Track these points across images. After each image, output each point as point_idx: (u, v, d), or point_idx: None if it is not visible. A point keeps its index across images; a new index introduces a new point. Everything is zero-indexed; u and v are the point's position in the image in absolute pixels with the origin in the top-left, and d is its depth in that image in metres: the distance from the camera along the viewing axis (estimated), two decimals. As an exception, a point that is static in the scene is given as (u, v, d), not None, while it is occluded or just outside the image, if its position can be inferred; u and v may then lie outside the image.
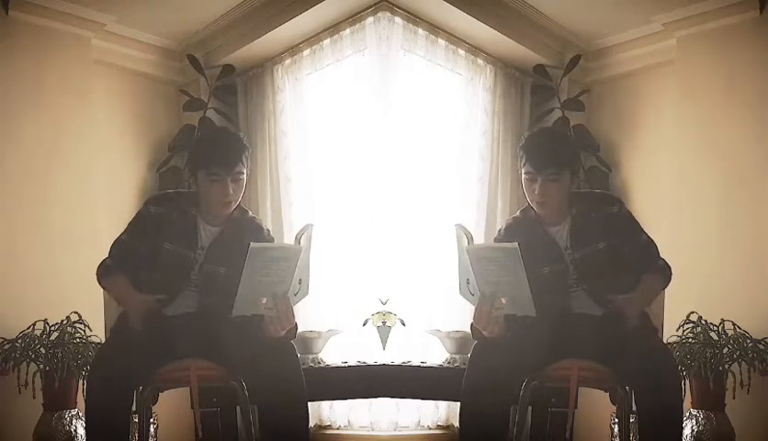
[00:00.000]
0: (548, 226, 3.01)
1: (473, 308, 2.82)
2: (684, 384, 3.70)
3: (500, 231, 3.20)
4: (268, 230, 3.16)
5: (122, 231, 3.08)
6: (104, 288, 3.08)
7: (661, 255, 3.10)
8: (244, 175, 2.95)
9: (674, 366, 3.01)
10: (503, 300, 2.70)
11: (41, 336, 3.70)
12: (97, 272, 3.06)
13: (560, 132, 3.10)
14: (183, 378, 3.03)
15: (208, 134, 3.03)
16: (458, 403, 2.90)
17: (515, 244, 2.65)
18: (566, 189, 2.97)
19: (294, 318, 2.78)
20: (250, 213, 3.17)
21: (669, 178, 4.31)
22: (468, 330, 3.91)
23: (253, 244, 2.66)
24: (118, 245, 3.06)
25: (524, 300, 2.66)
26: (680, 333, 3.76)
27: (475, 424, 2.85)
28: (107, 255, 3.07)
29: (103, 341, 3.66)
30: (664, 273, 3.06)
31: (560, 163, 2.92)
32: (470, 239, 2.76)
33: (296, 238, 2.82)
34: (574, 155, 3.00)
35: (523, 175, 2.98)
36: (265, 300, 2.70)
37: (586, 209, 3.03)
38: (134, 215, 3.08)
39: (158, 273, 2.94)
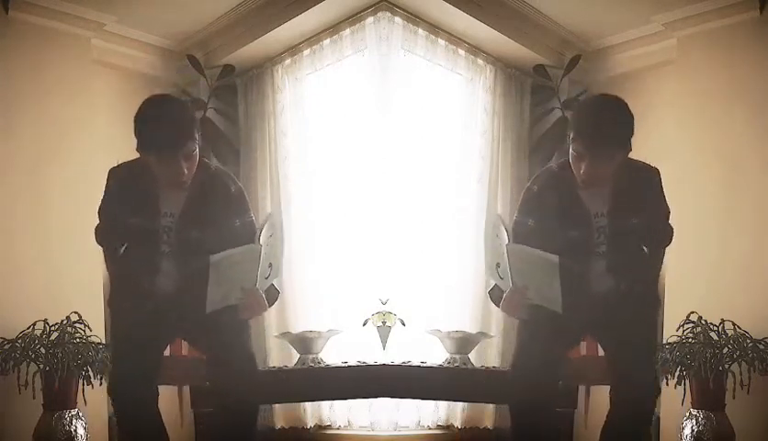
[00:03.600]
0: (584, 190, 2.89)
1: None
2: (684, 384, 3.71)
3: (530, 188, 3.08)
4: (236, 184, 3.04)
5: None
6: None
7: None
8: (197, 149, 2.80)
9: (651, 369, 3.01)
10: (532, 293, 2.86)
11: (41, 336, 3.70)
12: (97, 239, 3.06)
13: (615, 105, 2.79)
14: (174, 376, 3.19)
15: (151, 112, 2.80)
16: (460, 404, 2.92)
17: (557, 258, 2.73)
18: (614, 168, 2.82)
19: (265, 302, 2.91)
20: (212, 167, 3.06)
21: (669, 178, 4.26)
22: (468, 330, 3.96)
23: (212, 257, 2.74)
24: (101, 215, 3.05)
25: (553, 299, 2.81)
26: (680, 333, 3.76)
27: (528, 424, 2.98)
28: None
29: (103, 341, 3.68)
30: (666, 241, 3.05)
31: (613, 143, 2.75)
32: (507, 229, 2.88)
33: (258, 230, 2.89)
34: (628, 131, 2.78)
35: (570, 148, 2.80)
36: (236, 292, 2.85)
37: (627, 179, 2.92)
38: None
39: (130, 248, 2.94)
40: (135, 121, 2.81)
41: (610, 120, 2.78)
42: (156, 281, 2.93)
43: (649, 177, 2.99)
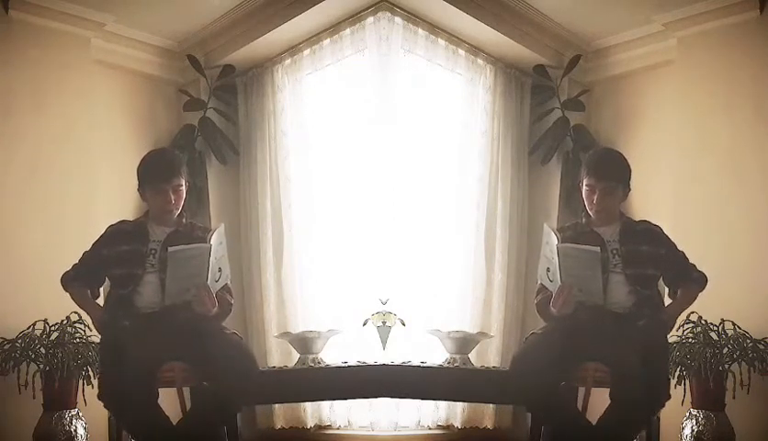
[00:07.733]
0: (597, 227, 3.37)
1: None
2: (684, 384, 3.71)
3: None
4: (204, 235, 3.39)
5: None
6: (68, 293, 3.44)
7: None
8: (183, 187, 3.35)
9: (664, 374, 3.25)
10: (577, 290, 3.18)
11: (41, 336, 3.71)
12: (61, 280, 3.41)
13: (618, 153, 3.49)
14: (168, 378, 3.25)
15: (150, 156, 3.45)
16: (460, 404, 2.94)
17: (597, 249, 3.18)
18: (618, 201, 3.38)
19: (215, 301, 3.21)
20: (199, 225, 3.50)
21: (669, 178, 4.31)
22: (468, 330, 3.96)
23: (170, 248, 3.15)
24: (81, 258, 3.40)
25: (595, 291, 3.18)
26: (680, 333, 3.76)
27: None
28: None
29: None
30: (701, 283, 3.40)
31: (617, 178, 3.34)
32: (559, 238, 3.19)
33: (207, 238, 3.22)
34: (628, 173, 3.37)
35: (583, 187, 3.36)
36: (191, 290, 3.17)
37: (632, 222, 3.44)
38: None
39: (118, 269, 3.30)
40: (137, 169, 3.36)
41: (614, 162, 3.41)
42: (143, 294, 3.25)
43: (650, 226, 3.41)
